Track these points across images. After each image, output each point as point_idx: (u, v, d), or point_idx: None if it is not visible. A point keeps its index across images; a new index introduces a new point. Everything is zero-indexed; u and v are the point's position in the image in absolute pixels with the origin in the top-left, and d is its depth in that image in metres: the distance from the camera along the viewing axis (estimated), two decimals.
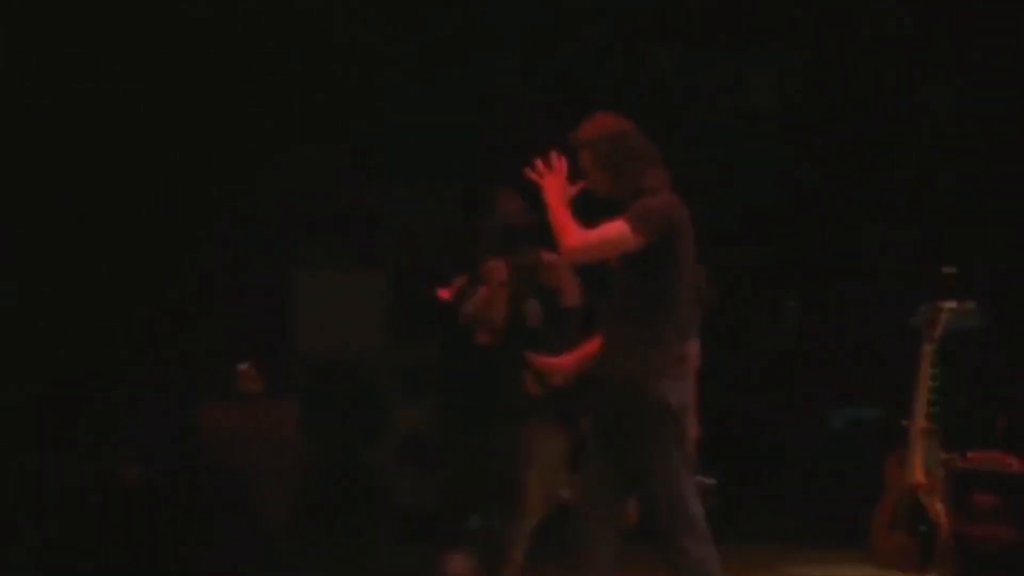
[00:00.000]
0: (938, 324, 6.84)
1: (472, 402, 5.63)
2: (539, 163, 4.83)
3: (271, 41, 9.07)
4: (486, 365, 5.59)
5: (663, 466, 4.67)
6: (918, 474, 6.83)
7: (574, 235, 4.69)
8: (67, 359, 8.48)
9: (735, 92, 10.10)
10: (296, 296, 9.58)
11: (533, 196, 4.95)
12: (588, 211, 4.78)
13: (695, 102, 10.02)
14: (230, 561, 7.58)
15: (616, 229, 4.65)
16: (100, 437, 8.35)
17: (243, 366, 8.63)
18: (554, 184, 4.78)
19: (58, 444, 8.01)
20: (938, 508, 6.77)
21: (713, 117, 9.98)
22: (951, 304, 6.88)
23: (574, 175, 4.86)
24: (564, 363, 5.19)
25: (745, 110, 10.05)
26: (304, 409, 8.74)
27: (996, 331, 8.01)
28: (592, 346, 5.02)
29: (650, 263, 4.69)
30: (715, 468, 6.60)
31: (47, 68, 8.58)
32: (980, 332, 7.38)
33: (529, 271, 5.63)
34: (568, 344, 5.29)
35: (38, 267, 8.51)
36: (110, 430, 8.45)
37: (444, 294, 5.68)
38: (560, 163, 4.82)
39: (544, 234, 5.03)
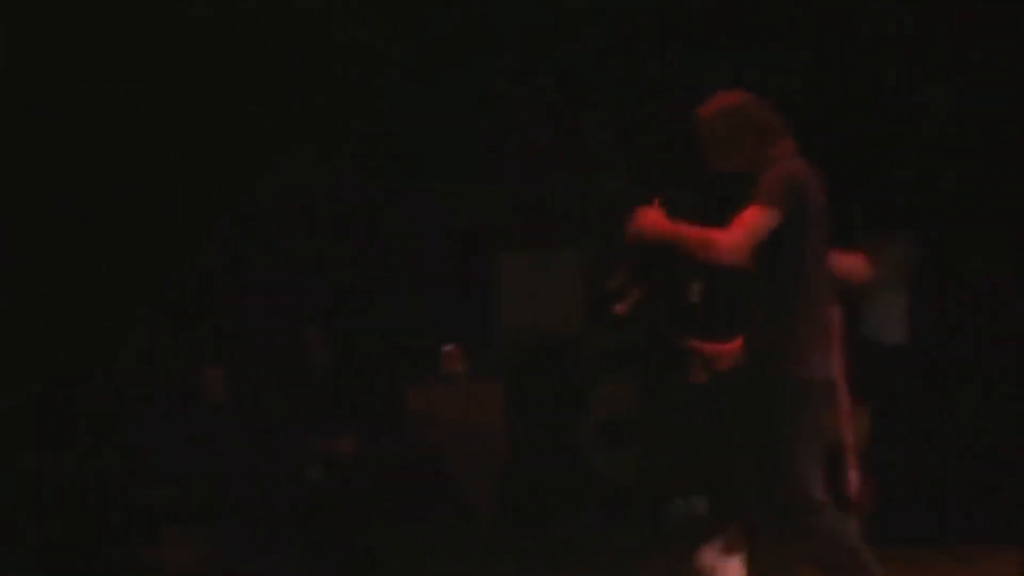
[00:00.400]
0: None
1: (676, 383, 5.54)
2: (628, 223, 4.83)
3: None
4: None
5: (788, 439, 4.62)
6: None
7: (721, 239, 4.66)
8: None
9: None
10: (500, 278, 9.59)
11: None
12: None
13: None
14: (436, 541, 7.66)
15: (753, 214, 4.65)
16: (319, 418, 8.43)
17: (448, 348, 8.74)
18: (651, 218, 4.78)
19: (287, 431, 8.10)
20: None
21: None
22: None
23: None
24: (729, 348, 5.12)
25: None
26: (508, 390, 8.79)
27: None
28: None
29: (782, 232, 4.68)
30: None
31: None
32: None
33: None
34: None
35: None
36: (329, 411, 8.54)
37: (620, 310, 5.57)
38: (643, 209, 4.82)
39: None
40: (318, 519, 7.63)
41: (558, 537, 8.06)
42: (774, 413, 4.64)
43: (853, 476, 6.06)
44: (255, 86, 9.05)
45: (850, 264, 5.91)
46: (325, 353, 8.87)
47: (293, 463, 8.03)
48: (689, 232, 4.72)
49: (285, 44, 9.11)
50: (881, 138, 9.61)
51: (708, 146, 4.90)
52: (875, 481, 6.24)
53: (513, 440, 8.80)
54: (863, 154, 9.66)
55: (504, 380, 8.96)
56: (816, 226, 4.76)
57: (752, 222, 4.65)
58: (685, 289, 5.55)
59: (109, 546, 7.29)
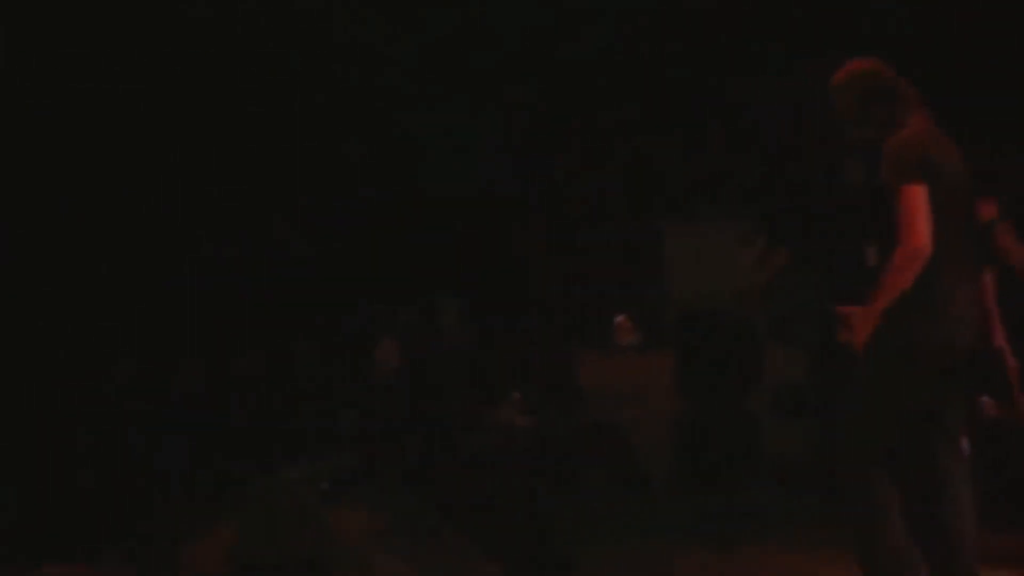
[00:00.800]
0: None
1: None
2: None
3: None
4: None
5: (859, 401, 4.65)
6: None
7: (901, 255, 4.57)
8: None
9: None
10: (670, 249, 9.57)
11: None
12: None
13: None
14: (608, 511, 7.64)
15: (903, 203, 4.57)
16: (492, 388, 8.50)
17: (619, 319, 8.75)
18: (853, 322, 4.73)
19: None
20: None
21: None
22: None
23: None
24: (866, 311, 4.97)
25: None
26: (679, 360, 8.76)
27: None
28: None
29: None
30: None
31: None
32: None
33: None
34: None
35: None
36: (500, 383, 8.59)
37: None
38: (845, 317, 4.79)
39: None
40: (492, 489, 7.62)
41: (731, 506, 7.93)
42: (857, 375, 4.67)
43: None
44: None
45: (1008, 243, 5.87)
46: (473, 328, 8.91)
47: (467, 433, 8.06)
48: (886, 287, 4.62)
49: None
50: None
51: (841, 116, 4.87)
52: None
53: (685, 409, 8.75)
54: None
55: (675, 350, 8.89)
56: (940, 193, 4.64)
57: (913, 208, 4.57)
58: (862, 253, 5.47)
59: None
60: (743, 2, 9.39)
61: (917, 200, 4.56)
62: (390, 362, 8.60)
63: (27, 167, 8.69)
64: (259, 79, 9.06)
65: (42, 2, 8.51)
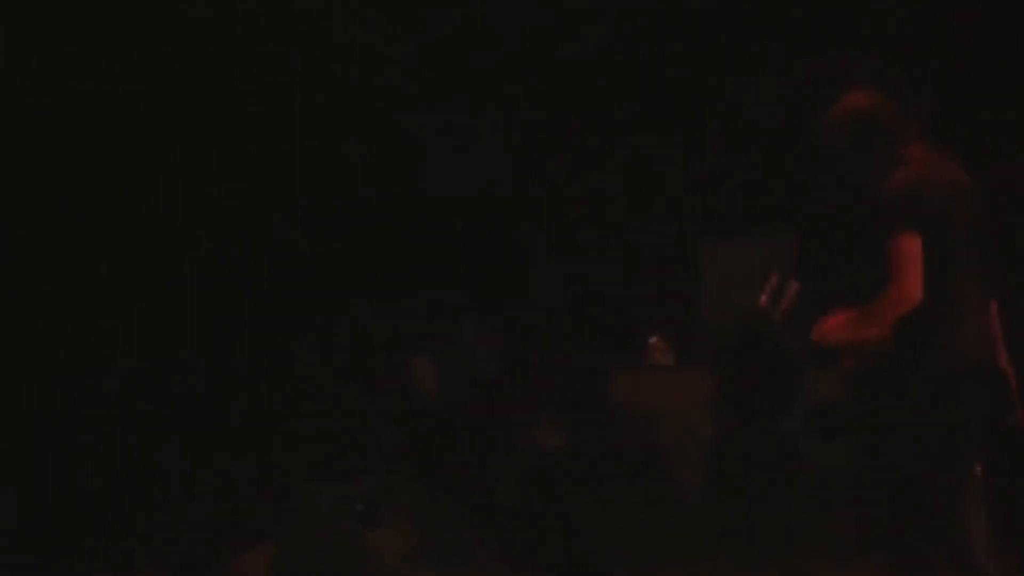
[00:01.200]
0: None
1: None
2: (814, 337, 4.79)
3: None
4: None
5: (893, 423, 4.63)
6: None
7: (894, 297, 4.54)
8: None
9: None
10: (704, 266, 9.53)
11: None
12: None
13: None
14: (644, 531, 7.67)
15: (899, 249, 4.52)
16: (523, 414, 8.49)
17: (653, 338, 8.72)
18: (834, 323, 4.72)
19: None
20: None
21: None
22: None
23: None
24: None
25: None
26: (715, 380, 8.71)
27: None
28: None
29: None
30: None
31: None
32: None
33: None
34: None
35: None
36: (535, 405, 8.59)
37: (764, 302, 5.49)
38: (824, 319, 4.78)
39: None
40: (526, 509, 7.64)
41: (767, 526, 7.98)
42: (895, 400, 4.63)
43: None
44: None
45: None
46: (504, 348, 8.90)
47: (502, 454, 8.07)
48: (866, 317, 4.62)
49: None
50: None
51: (835, 154, 4.79)
52: None
53: (721, 429, 8.71)
54: None
55: (711, 369, 8.84)
56: (942, 229, 4.60)
57: (905, 257, 4.52)
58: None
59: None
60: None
61: (909, 251, 4.52)
62: (426, 385, 8.57)
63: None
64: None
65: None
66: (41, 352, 8.69)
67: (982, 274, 4.79)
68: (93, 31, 8.62)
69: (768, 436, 8.77)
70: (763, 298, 5.36)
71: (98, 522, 7.66)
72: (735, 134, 9.57)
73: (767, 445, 8.68)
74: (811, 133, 4.87)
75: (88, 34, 8.62)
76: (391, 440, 8.19)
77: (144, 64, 8.76)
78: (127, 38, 8.71)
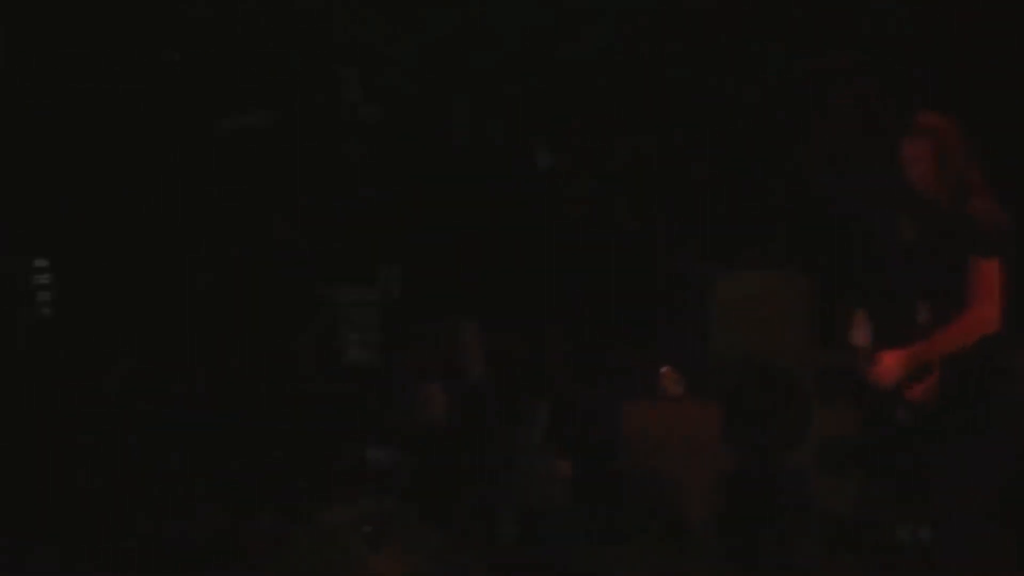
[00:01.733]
0: None
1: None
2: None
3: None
4: None
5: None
6: None
7: (979, 317, 4.75)
8: None
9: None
10: (716, 298, 9.49)
11: None
12: None
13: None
14: (652, 563, 7.69)
15: (986, 273, 4.74)
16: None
17: (664, 369, 8.71)
18: (892, 361, 4.90)
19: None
20: None
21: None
22: None
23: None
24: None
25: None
26: (724, 412, 8.70)
27: None
28: None
29: None
30: None
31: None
32: None
33: None
34: None
35: None
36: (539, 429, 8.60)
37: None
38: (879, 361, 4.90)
39: None
40: (533, 536, 7.67)
41: (776, 562, 7.98)
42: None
43: None
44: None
45: None
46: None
47: (511, 479, 8.08)
48: (940, 343, 4.79)
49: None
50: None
51: (921, 159, 4.88)
52: None
53: (731, 462, 8.73)
54: None
55: (720, 402, 8.83)
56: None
57: (994, 282, 4.75)
58: (914, 308, 5.46)
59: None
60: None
61: (997, 277, 4.75)
62: (436, 408, 8.56)
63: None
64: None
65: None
66: (41, 352, 8.69)
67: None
68: (93, 31, 8.63)
69: (777, 470, 8.78)
70: (859, 335, 5.27)
71: (98, 522, 7.65)
72: (735, 134, 9.59)
73: (776, 478, 8.69)
74: (816, 136, 4.94)
75: (88, 34, 8.62)
76: (398, 464, 8.19)
77: (144, 64, 8.76)
78: (127, 38, 8.71)
